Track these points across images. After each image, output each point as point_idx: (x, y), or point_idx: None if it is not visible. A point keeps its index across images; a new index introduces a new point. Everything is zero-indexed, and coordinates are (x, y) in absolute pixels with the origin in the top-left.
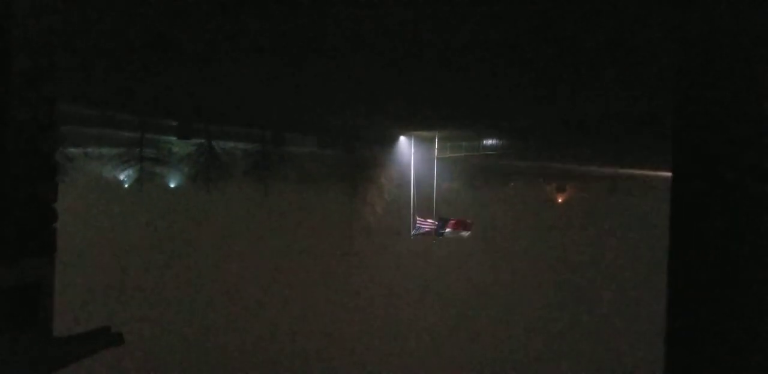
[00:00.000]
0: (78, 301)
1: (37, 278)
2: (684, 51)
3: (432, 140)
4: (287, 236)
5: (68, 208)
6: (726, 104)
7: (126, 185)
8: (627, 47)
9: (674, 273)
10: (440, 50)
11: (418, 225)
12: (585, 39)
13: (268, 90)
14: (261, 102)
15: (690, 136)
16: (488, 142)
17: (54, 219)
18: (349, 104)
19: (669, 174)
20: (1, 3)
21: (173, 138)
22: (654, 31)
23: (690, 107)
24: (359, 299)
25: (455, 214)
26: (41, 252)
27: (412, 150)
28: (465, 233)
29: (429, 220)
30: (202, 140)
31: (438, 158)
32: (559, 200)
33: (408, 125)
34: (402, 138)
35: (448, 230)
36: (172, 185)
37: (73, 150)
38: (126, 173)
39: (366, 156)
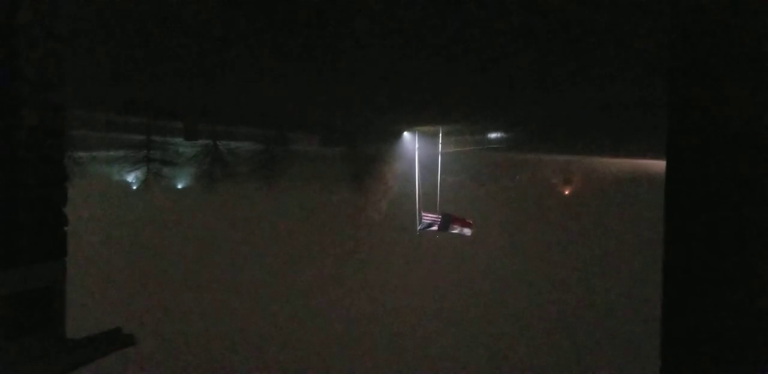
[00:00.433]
0: (89, 303)
1: (49, 282)
2: (678, 41)
3: (436, 135)
4: (293, 233)
5: (78, 212)
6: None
7: (134, 187)
8: (630, 38)
9: (669, 270)
10: (442, 44)
11: (423, 220)
12: (589, 30)
13: (272, 89)
14: (265, 102)
15: (684, 127)
16: (492, 135)
17: (65, 223)
18: (352, 101)
19: None
20: (8, 8)
21: (180, 140)
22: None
23: (685, 98)
24: (365, 295)
25: (461, 209)
26: (53, 256)
27: (416, 145)
28: (467, 232)
29: (433, 214)
30: (209, 141)
31: (442, 153)
32: (566, 193)
33: (412, 121)
34: (405, 134)
35: (452, 227)
36: (179, 186)
37: (81, 154)
38: (134, 175)
39: (370, 153)
